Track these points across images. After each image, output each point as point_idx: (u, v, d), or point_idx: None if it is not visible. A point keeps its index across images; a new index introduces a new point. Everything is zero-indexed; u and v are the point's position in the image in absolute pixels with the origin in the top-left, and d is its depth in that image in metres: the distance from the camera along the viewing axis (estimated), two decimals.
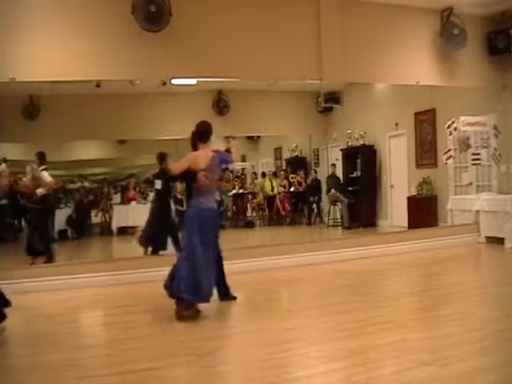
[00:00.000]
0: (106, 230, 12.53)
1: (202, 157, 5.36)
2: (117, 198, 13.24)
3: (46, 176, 7.95)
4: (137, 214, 12.46)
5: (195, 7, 7.41)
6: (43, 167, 8.01)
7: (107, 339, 4.88)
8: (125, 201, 12.72)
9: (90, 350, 4.42)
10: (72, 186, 12.75)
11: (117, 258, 9.31)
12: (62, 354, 4.24)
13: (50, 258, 7.83)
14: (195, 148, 5.49)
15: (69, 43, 6.86)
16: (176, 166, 5.54)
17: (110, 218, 12.51)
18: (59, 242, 11.56)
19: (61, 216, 11.92)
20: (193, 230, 5.25)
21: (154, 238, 8.43)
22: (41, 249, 7.87)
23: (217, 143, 13.22)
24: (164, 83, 8.86)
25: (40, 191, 7.84)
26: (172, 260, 5.36)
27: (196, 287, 5.07)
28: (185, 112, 11.11)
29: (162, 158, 8.48)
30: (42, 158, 8.11)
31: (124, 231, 12.36)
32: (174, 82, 8.62)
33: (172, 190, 9.20)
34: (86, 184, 13.16)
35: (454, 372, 3.45)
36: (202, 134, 5.48)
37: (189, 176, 5.47)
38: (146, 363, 3.89)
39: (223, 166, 5.60)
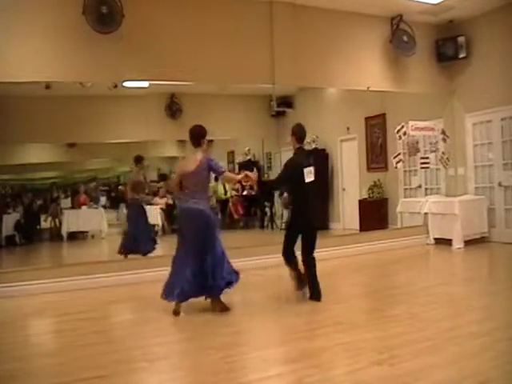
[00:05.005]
0: (55, 235, 12.27)
1: (190, 160, 5.59)
2: (67, 202, 12.99)
3: None
4: (87, 218, 12.25)
5: (148, 9, 7.35)
6: None
7: (57, 347, 4.76)
8: (75, 205, 12.49)
9: (39, 358, 4.30)
10: None
11: (66, 263, 9.12)
12: (10, 363, 4.12)
13: None
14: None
15: (19, 43, 6.65)
16: (172, 187, 6.03)
17: (60, 222, 12.25)
18: (7, 248, 11.26)
19: (9, 221, 11.61)
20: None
21: None
22: None
23: (169, 147, 13.16)
24: (115, 86, 8.73)
25: None
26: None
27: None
28: (137, 115, 10.97)
29: None
30: None
31: (74, 236, 12.14)
32: (125, 84, 8.49)
33: None
34: None
35: (403, 371, 3.51)
36: (191, 138, 5.72)
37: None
38: (97, 371, 3.81)
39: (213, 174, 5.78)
